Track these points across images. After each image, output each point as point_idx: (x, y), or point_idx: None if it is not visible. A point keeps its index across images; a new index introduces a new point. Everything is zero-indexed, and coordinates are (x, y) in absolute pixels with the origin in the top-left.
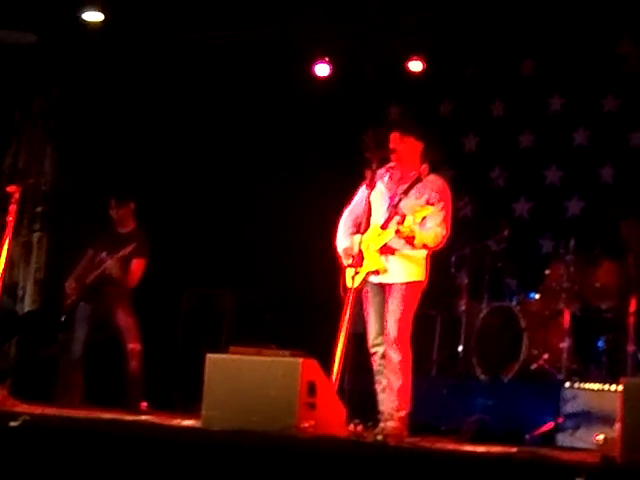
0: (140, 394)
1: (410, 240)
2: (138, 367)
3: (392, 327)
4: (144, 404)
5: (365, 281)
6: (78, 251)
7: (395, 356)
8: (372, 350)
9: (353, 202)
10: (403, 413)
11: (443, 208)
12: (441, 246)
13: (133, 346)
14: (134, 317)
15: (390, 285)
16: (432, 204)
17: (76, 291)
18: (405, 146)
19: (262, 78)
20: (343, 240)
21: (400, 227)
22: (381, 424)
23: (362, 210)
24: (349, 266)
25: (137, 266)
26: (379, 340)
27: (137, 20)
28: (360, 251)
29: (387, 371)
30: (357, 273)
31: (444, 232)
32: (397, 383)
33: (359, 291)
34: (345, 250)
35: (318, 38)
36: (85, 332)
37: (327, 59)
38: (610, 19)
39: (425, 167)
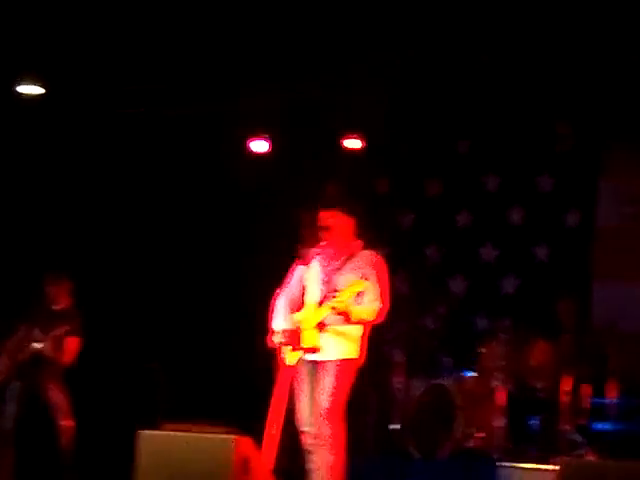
0: (72, 471)
1: (346, 316)
2: (70, 444)
3: (324, 402)
4: None
5: (299, 359)
6: (8, 326)
7: (326, 430)
8: (302, 429)
9: (289, 283)
10: None
11: (378, 281)
12: (379, 320)
13: (65, 423)
14: (66, 394)
15: (324, 362)
16: (367, 279)
17: (7, 368)
18: (337, 223)
19: (199, 152)
20: (280, 321)
21: (335, 303)
22: None
23: (297, 289)
24: (283, 344)
25: (71, 345)
26: (310, 420)
27: (76, 94)
28: (296, 330)
29: (319, 447)
30: (293, 352)
31: (381, 305)
32: (329, 459)
33: (293, 369)
34: (283, 331)
35: (256, 114)
36: (13, 409)
37: (266, 135)
38: (546, 100)
39: (358, 243)
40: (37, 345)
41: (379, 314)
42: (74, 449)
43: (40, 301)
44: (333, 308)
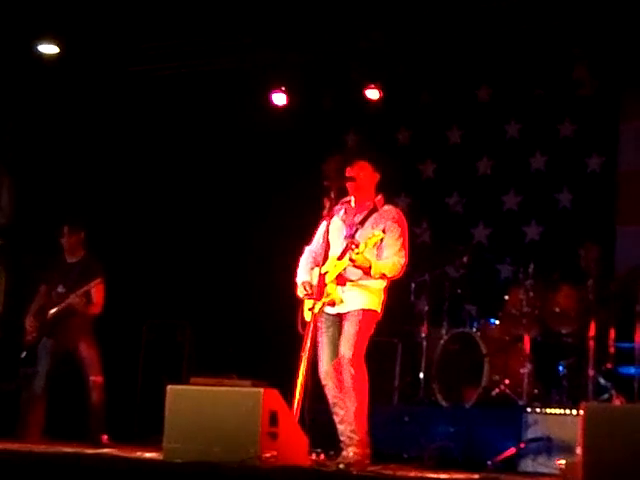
0: (102, 427)
1: (367, 270)
2: (100, 400)
3: (346, 349)
4: (105, 437)
5: (321, 312)
6: (37, 285)
7: (349, 378)
8: (324, 382)
9: (314, 239)
10: (358, 437)
11: (400, 237)
12: (399, 275)
13: (95, 378)
14: (96, 349)
15: (346, 313)
16: (390, 233)
17: (36, 327)
18: (363, 175)
19: (219, 108)
20: (303, 274)
21: (354, 255)
22: (343, 452)
23: (321, 244)
24: (306, 297)
25: (98, 295)
26: (331, 372)
27: (93, 52)
28: (319, 283)
29: (343, 395)
30: (315, 305)
31: (402, 261)
32: (352, 406)
33: (316, 322)
34: (304, 283)
35: (275, 67)
36: (47, 366)
37: (284, 88)
38: (565, 45)
39: (381, 198)
40: (68, 303)
41: (400, 269)
42: (104, 404)
43: (55, 257)
44: (351, 260)
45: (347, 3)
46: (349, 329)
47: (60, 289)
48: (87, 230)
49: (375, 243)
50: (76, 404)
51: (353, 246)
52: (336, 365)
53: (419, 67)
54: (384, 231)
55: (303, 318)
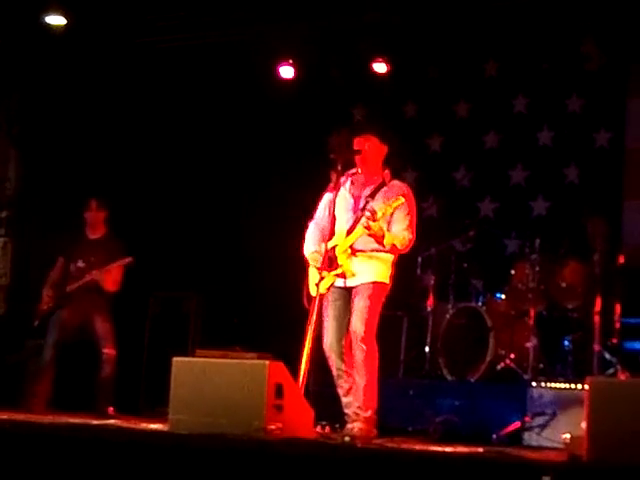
0: (109, 399)
1: (380, 239)
2: (111, 372)
3: (358, 325)
4: (111, 409)
5: (330, 285)
6: (44, 257)
7: (360, 354)
8: (328, 354)
9: (317, 212)
10: (369, 413)
11: (409, 213)
12: (407, 251)
13: (108, 351)
14: (111, 324)
15: (356, 286)
16: (399, 208)
17: (53, 298)
18: (370, 148)
19: (226, 80)
20: (311, 246)
21: (371, 223)
22: (348, 425)
23: (327, 217)
24: (319, 269)
25: (118, 271)
26: (336, 343)
27: (100, 23)
28: (328, 254)
29: (353, 370)
30: (322, 278)
31: (410, 236)
32: (362, 382)
33: (324, 295)
34: (313, 254)
35: (282, 40)
36: (56, 337)
37: (291, 61)
38: (572, 19)
39: (388, 172)
40: (89, 275)
41: (408, 244)
42: (114, 378)
43: (74, 232)
44: (367, 228)
45: None
46: (360, 303)
47: (80, 264)
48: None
49: (394, 209)
50: (84, 376)
51: (368, 214)
52: (347, 340)
53: (426, 41)
54: (403, 197)
55: (309, 292)
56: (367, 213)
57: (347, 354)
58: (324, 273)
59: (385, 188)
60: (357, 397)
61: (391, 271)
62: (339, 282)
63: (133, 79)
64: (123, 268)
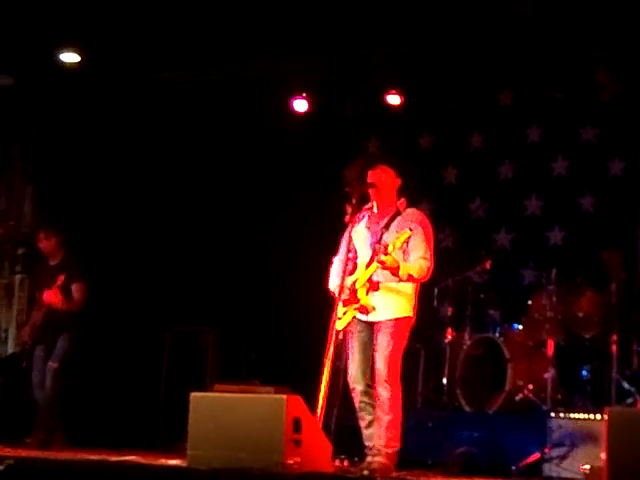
0: (56, 423)
1: (395, 271)
2: (52, 388)
3: (381, 364)
4: (59, 436)
5: (353, 318)
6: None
7: (384, 393)
8: (352, 386)
9: (341, 249)
10: (392, 450)
11: (425, 239)
12: (427, 278)
13: (52, 364)
14: (72, 344)
15: (378, 322)
16: (415, 236)
17: (29, 335)
18: (385, 180)
19: (240, 114)
20: (335, 280)
21: (382, 257)
22: (368, 458)
23: (346, 252)
24: (345, 302)
25: (76, 290)
26: (360, 376)
27: (113, 60)
28: (350, 288)
29: (377, 408)
30: (345, 313)
31: (428, 263)
32: (386, 419)
33: (345, 329)
34: (338, 287)
35: (295, 74)
36: (39, 376)
37: (305, 94)
38: (586, 49)
39: (403, 201)
40: (43, 302)
41: (427, 271)
42: (57, 396)
43: (38, 263)
44: (380, 262)
45: (367, 9)
46: (382, 343)
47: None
48: (64, 233)
49: (402, 243)
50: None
51: (382, 248)
52: (369, 375)
53: (440, 72)
54: (410, 230)
55: (332, 322)
56: (380, 247)
57: (371, 387)
58: (345, 308)
59: (399, 217)
60: (380, 434)
61: (414, 302)
62: (362, 317)
63: (147, 114)
64: (83, 287)
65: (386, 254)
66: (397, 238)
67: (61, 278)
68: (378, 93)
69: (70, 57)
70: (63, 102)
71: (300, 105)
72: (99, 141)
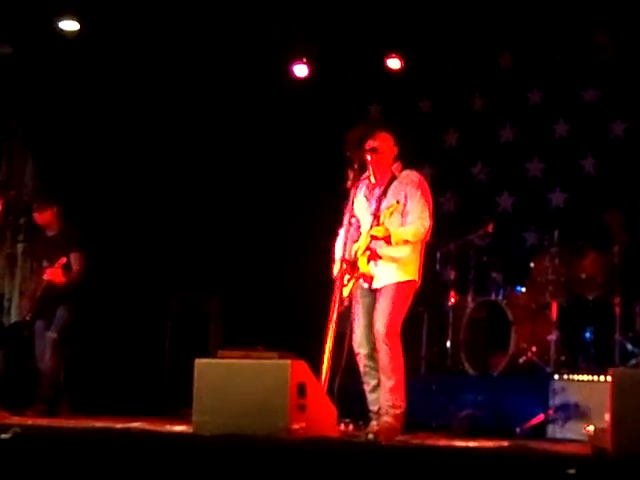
0: (60, 392)
1: (387, 240)
2: (52, 356)
3: (380, 326)
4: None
5: (356, 286)
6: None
7: (384, 356)
8: (356, 350)
9: (344, 219)
10: (398, 411)
11: (421, 199)
12: (427, 238)
13: (51, 335)
14: (71, 315)
15: (380, 288)
16: (410, 198)
17: (29, 308)
18: (385, 146)
19: (241, 81)
20: (339, 251)
21: (373, 231)
22: (372, 422)
23: (349, 221)
24: (348, 270)
25: (75, 260)
26: (364, 341)
27: (113, 28)
28: (352, 258)
29: (379, 371)
30: (349, 280)
31: (426, 223)
32: (389, 383)
33: (349, 295)
34: (340, 259)
35: (295, 38)
36: (43, 347)
37: (305, 59)
38: (586, 9)
39: (397, 165)
40: (44, 278)
41: (425, 232)
42: (58, 366)
43: (38, 231)
44: (371, 236)
45: None
46: (382, 305)
47: (44, 264)
48: (60, 203)
49: (391, 213)
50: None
51: (374, 220)
52: (372, 339)
53: (440, 36)
54: (405, 197)
55: (336, 289)
56: (374, 221)
57: (375, 351)
58: (348, 275)
59: (395, 182)
60: (385, 397)
61: (418, 265)
62: (364, 284)
63: (146, 83)
64: (81, 258)
65: (378, 225)
66: (387, 209)
67: (63, 259)
68: (378, 57)
69: (70, 25)
70: (63, 70)
71: (300, 70)
72: (99, 109)
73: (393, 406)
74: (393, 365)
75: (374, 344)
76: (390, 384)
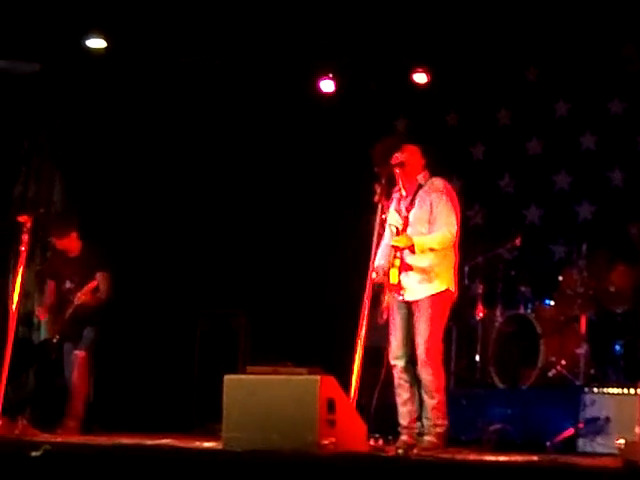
0: (83, 410)
1: (411, 249)
2: (80, 375)
3: (421, 347)
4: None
5: (392, 298)
6: None
7: (426, 376)
8: (392, 362)
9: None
10: (441, 430)
11: (446, 205)
12: (455, 242)
13: (78, 353)
14: (97, 330)
15: (415, 302)
16: (435, 206)
17: (58, 331)
18: (412, 160)
19: (268, 97)
20: (380, 259)
21: (392, 242)
22: (402, 437)
23: (378, 234)
24: (375, 282)
25: (103, 280)
26: (400, 353)
27: (139, 46)
28: (385, 270)
29: (422, 390)
30: (385, 294)
31: (453, 230)
32: (432, 402)
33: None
34: (377, 267)
35: (322, 54)
36: (71, 368)
37: (331, 75)
38: (613, 22)
39: (424, 174)
40: (75, 301)
41: (452, 239)
42: (87, 384)
43: (56, 253)
44: (393, 247)
45: None
46: (420, 326)
47: (68, 284)
48: (78, 225)
49: (430, 210)
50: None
51: (394, 229)
52: (411, 354)
53: (466, 49)
54: (431, 204)
55: (365, 301)
56: (393, 229)
57: (411, 364)
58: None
59: (421, 191)
60: (428, 415)
61: (452, 274)
62: (398, 297)
63: (173, 100)
64: (108, 277)
65: (398, 235)
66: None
67: (94, 282)
68: (405, 72)
69: (97, 43)
70: (90, 88)
71: (327, 85)
72: (125, 126)
73: (435, 425)
74: (436, 384)
75: (410, 357)
76: (433, 403)
